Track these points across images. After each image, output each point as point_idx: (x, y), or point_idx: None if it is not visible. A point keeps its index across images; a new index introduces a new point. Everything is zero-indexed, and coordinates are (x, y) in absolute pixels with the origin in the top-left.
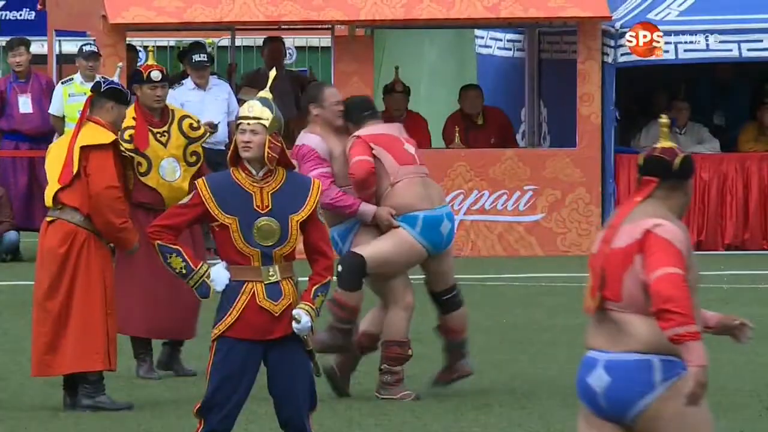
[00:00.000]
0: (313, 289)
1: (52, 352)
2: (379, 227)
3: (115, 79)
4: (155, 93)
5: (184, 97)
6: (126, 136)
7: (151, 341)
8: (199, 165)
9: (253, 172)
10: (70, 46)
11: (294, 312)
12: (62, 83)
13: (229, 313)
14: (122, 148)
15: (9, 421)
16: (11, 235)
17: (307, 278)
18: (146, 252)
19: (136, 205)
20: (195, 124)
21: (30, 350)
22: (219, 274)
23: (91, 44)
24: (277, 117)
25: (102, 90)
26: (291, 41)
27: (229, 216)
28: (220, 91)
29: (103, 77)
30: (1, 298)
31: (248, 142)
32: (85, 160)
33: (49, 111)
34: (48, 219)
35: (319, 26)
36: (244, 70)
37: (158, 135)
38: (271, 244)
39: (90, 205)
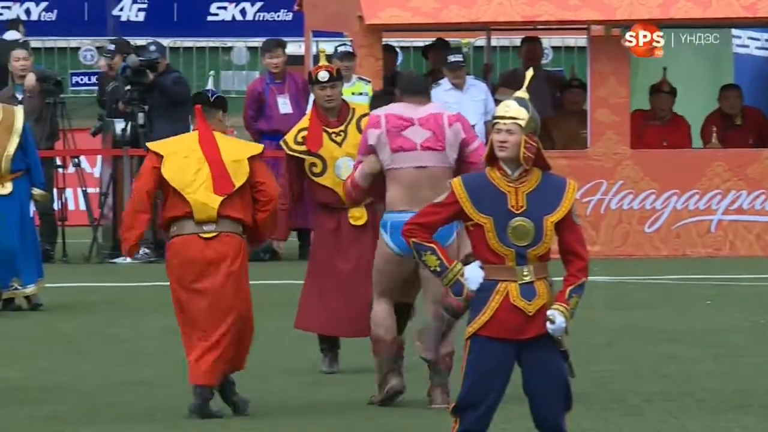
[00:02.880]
0: (568, 290)
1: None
2: None
3: (210, 86)
4: (325, 93)
5: (441, 98)
6: (299, 138)
7: (334, 337)
8: None
9: (509, 171)
10: (326, 47)
11: (548, 312)
12: None
13: (483, 311)
14: (291, 151)
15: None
16: None
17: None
18: (327, 249)
19: (317, 206)
20: None
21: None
22: (473, 273)
23: (346, 45)
24: (534, 117)
25: (212, 100)
26: (547, 41)
27: (483, 216)
28: (477, 91)
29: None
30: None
31: (504, 141)
32: (252, 169)
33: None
34: (205, 235)
35: (575, 26)
36: (500, 71)
37: (333, 135)
38: (525, 244)
39: (263, 212)
